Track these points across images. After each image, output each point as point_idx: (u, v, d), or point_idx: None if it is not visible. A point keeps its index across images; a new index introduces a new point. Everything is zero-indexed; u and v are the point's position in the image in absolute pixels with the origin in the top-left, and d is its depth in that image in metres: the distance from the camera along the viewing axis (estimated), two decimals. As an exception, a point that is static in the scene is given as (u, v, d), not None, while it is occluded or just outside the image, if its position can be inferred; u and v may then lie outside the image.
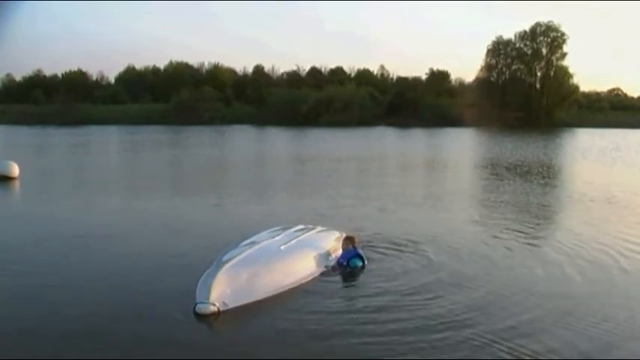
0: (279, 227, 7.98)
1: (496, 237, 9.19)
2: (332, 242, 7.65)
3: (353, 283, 6.80)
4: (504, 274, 7.18)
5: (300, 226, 8.03)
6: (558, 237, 9.52)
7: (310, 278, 6.70)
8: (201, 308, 5.51)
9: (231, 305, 5.63)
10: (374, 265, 7.36)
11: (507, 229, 9.81)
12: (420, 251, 8.10)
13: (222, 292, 5.67)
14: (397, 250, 8.17)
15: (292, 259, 6.85)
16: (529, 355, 4.71)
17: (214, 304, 5.53)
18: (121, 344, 4.99)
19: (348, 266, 7.21)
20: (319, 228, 8.11)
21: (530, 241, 9.01)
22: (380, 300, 6.06)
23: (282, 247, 6.94)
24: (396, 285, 6.54)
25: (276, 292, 6.10)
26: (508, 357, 4.70)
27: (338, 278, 6.95)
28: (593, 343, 5.03)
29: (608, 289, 6.61)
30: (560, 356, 4.72)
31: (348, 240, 7.58)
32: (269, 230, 7.80)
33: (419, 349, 4.88)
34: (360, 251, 7.44)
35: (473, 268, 7.32)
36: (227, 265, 6.01)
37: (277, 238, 7.29)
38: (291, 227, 7.92)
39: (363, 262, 7.29)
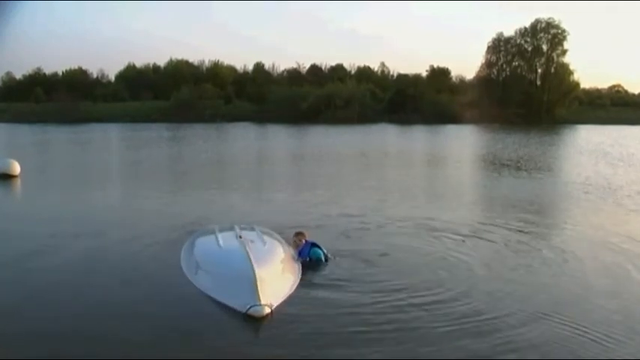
0: (218, 226, 7.93)
1: (495, 232, 9.23)
2: (286, 240, 7.71)
3: (347, 276, 6.79)
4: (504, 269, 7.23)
5: (242, 225, 7.93)
6: (550, 229, 9.64)
7: (301, 274, 6.74)
8: (258, 311, 5.41)
9: (274, 305, 5.61)
10: (373, 260, 7.40)
11: (506, 223, 9.85)
12: (419, 247, 8.15)
13: (268, 292, 5.64)
14: (394, 245, 8.23)
15: (284, 256, 6.90)
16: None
17: (268, 306, 5.48)
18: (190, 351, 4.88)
19: (311, 260, 7.18)
20: (258, 227, 8.01)
21: (526, 234, 9.08)
22: (391, 295, 6.14)
23: (266, 247, 6.89)
24: (397, 281, 6.58)
25: (292, 290, 6.11)
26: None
27: (334, 270, 6.99)
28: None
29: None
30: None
31: (300, 235, 7.58)
32: (218, 229, 7.72)
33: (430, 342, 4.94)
34: (315, 242, 7.43)
35: (471, 262, 7.37)
36: (254, 266, 5.90)
37: (248, 237, 7.16)
38: (232, 227, 7.81)
39: (323, 251, 7.29)
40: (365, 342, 4.98)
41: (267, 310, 5.44)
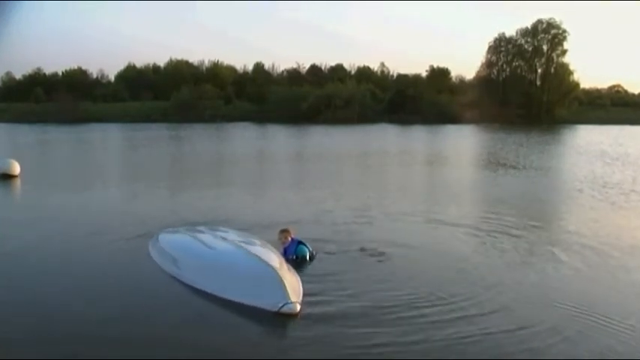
0: (186, 227, 7.96)
1: (493, 231, 9.26)
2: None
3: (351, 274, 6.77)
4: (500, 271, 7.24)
5: (205, 226, 7.95)
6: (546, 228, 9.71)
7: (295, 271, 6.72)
8: (292, 308, 5.42)
9: (300, 302, 5.60)
10: (373, 256, 7.44)
11: (502, 222, 9.86)
12: (417, 247, 8.17)
13: (294, 290, 5.66)
14: (394, 242, 8.23)
15: (279, 255, 6.83)
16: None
17: (299, 303, 5.50)
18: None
19: (297, 258, 7.10)
20: (229, 227, 8.00)
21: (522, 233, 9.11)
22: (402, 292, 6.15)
23: (261, 247, 6.82)
24: (396, 279, 6.59)
25: (300, 288, 6.07)
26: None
27: (327, 267, 7.00)
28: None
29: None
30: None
31: (285, 232, 7.41)
32: (185, 230, 7.70)
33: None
34: (300, 239, 7.34)
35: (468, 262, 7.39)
36: (274, 265, 5.90)
37: (231, 237, 7.11)
38: (197, 227, 7.84)
39: (309, 248, 7.22)
40: (386, 341, 5.00)
41: (298, 307, 5.44)
